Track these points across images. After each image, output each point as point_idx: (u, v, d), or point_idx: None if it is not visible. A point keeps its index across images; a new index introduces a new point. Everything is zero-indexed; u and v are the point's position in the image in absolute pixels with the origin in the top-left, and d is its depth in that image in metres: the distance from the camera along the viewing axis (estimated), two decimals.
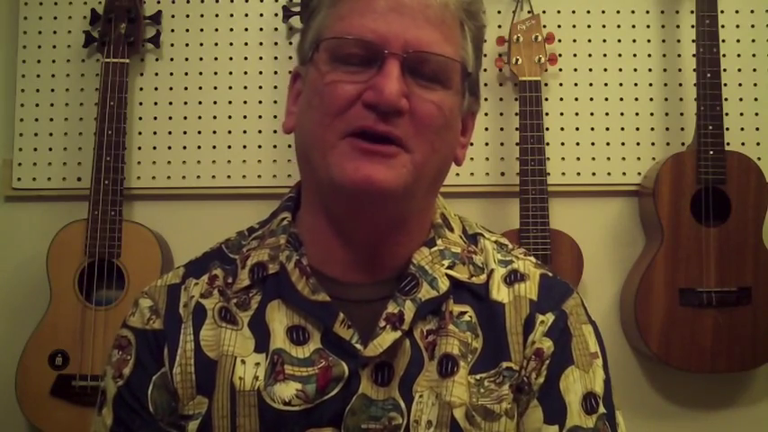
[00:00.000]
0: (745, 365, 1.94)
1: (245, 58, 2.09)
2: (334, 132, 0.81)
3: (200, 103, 2.08)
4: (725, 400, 2.07)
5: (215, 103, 2.08)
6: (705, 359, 1.90)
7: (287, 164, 2.06)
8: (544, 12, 2.06)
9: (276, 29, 2.10)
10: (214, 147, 2.07)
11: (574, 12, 2.10)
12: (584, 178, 2.08)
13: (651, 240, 2.01)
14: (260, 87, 2.09)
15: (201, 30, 2.09)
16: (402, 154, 0.81)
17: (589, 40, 2.10)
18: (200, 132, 2.07)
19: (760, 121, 2.08)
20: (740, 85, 2.08)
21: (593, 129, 2.09)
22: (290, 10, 2.04)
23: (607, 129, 2.09)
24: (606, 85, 2.09)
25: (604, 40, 2.10)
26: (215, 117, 2.08)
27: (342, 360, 0.83)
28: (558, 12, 2.09)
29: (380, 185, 0.79)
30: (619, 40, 2.10)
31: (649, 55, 2.10)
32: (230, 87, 2.08)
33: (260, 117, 2.08)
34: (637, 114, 2.09)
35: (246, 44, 2.09)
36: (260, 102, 2.08)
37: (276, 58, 2.09)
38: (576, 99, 2.09)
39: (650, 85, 2.09)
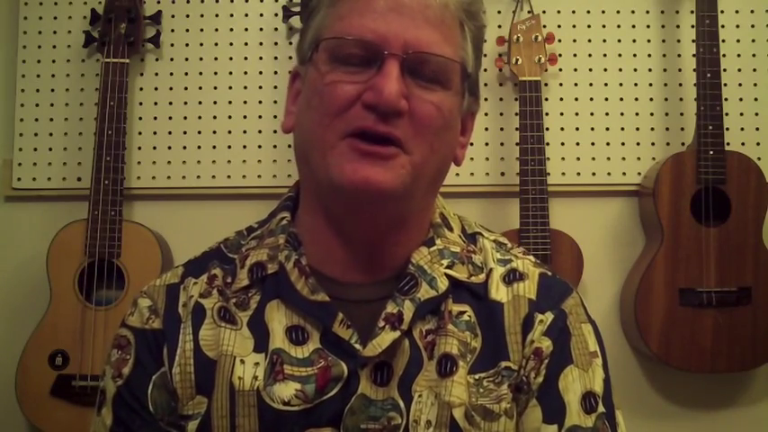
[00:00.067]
0: (745, 365, 1.94)
1: (245, 58, 2.09)
2: (333, 132, 0.81)
3: (200, 103, 2.08)
4: (725, 400, 2.07)
5: (215, 103, 2.08)
6: (705, 359, 1.90)
7: (287, 164, 2.06)
8: (544, 12, 2.06)
9: (276, 29, 2.10)
10: (214, 147, 2.07)
11: (574, 12, 2.10)
12: (584, 178, 2.08)
13: (651, 240, 2.01)
14: (260, 87, 2.09)
15: (201, 30, 2.09)
16: (401, 155, 0.81)
17: (589, 40, 2.10)
18: (200, 132, 2.07)
19: (760, 121, 2.08)
20: (740, 85, 2.08)
21: (593, 129, 2.09)
22: (289, 10, 2.04)
23: (607, 129, 2.09)
24: (606, 85, 2.09)
25: (604, 40, 2.10)
26: (215, 117, 2.08)
27: (341, 360, 0.83)
28: (558, 12, 2.09)
29: (379, 187, 0.79)
30: (619, 40, 2.10)
31: (649, 55, 2.09)
32: (230, 87, 2.08)
33: (260, 117, 2.08)
34: (637, 114, 2.09)
35: (246, 44, 2.09)
36: (260, 102, 2.08)
37: (276, 58, 2.09)
38: (576, 99, 2.09)
39: (650, 85, 2.09)
